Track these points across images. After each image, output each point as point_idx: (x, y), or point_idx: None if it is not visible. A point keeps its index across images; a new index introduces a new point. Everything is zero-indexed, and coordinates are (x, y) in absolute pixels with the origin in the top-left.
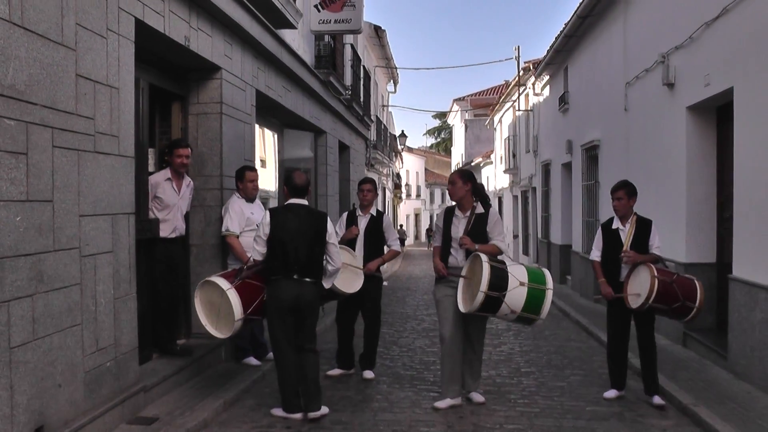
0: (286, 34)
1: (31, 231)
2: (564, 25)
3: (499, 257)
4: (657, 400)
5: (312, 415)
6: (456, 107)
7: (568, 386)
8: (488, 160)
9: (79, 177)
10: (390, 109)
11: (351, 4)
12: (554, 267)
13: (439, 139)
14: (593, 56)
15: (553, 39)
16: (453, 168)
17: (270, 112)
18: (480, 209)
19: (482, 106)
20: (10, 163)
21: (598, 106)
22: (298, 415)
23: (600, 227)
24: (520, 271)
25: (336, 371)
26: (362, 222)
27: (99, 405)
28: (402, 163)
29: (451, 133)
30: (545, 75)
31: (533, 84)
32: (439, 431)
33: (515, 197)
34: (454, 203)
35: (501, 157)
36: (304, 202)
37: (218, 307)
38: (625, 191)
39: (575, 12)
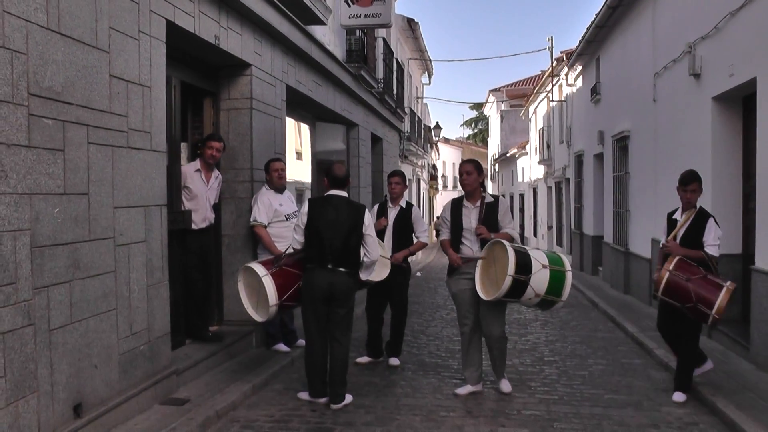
0: (317, 30)
1: (68, 222)
2: (595, 16)
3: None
4: (676, 396)
5: (334, 406)
6: (492, 98)
7: (589, 375)
8: (523, 151)
9: (113, 171)
10: (425, 101)
11: None
12: (586, 258)
13: (476, 130)
14: (623, 47)
15: (585, 29)
16: (489, 158)
17: (302, 106)
18: (489, 198)
19: (518, 96)
20: (48, 159)
21: (628, 96)
22: (323, 400)
23: (666, 215)
24: (540, 254)
25: (365, 359)
26: (391, 214)
27: (133, 386)
28: (438, 154)
29: (487, 123)
30: (578, 65)
31: (566, 75)
32: (459, 416)
33: (549, 188)
34: (459, 195)
35: (536, 148)
36: (344, 193)
37: (257, 292)
38: (699, 183)
39: (605, 2)
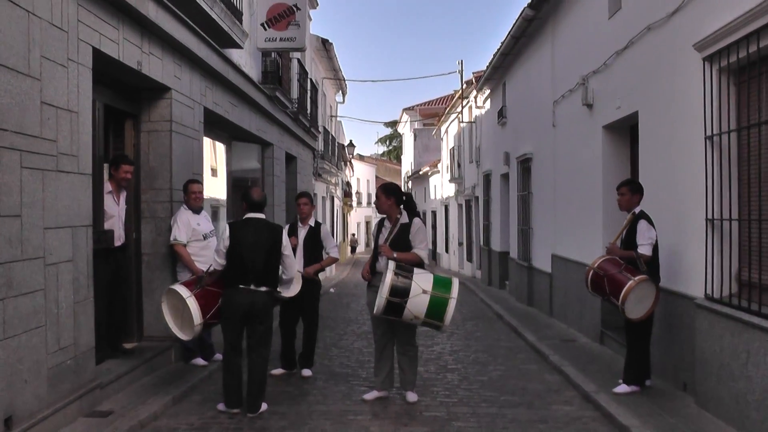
0: (233, 53)
1: (1, 242)
2: (500, 44)
3: (425, 264)
4: (618, 388)
5: (251, 414)
6: (405, 116)
7: (488, 380)
8: (435, 170)
9: (44, 193)
10: (340, 119)
11: (296, 23)
12: (494, 273)
13: (390, 147)
14: (527, 74)
15: (492, 56)
16: (403, 176)
17: (218, 126)
18: (405, 219)
19: (431, 115)
20: None
21: (530, 121)
22: (237, 410)
23: None
24: (426, 279)
25: (279, 371)
26: (302, 233)
27: (60, 399)
28: (353, 171)
29: (401, 141)
30: (486, 89)
31: (475, 97)
32: (366, 418)
33: (460, 206)
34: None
35: (447, 167)
36: (262, 215)
37: (181, 312)
38: (629, 188)
39: (509, 32)
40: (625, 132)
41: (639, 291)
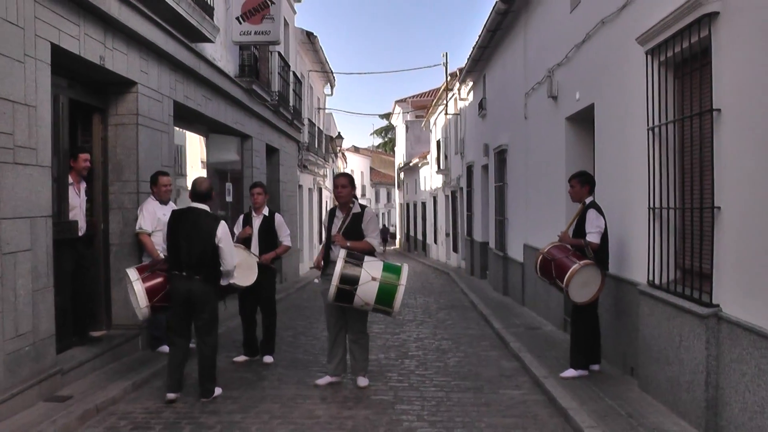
0: (207, 47)
1: None
2: (478, 37)
3: (376, 253)
4: (565, 373)
5: (204, 399)
6: (398, 108)
7: (444, 366)
8: (425, 161)
9: (0, 185)
10: (330, 111)
11: (270, 16)
12: (476, 263)
13: (386, 139)
14: (503, 67)
15: (471, 48)
16: (396, 168)
17: (194, 119)
18: (357, 209)
19: (422, 107)
20: None
21: (506, 112)
22: (174, 395)
23: None
24: (376, 266)
25: (242, 357)
26: (256, 222)
27: (18, 384)
28: (346, 162)
29: (395, 133)
30: (469, 81)
31: (459, 89)
32: (314, 402)
33: (447, 197)
34: (335, 205)
35: (435, 158)
36: (204, 206)
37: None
38: (578, 180)
39: (485, 26)
40: (589, 124)
41: (583, 275)
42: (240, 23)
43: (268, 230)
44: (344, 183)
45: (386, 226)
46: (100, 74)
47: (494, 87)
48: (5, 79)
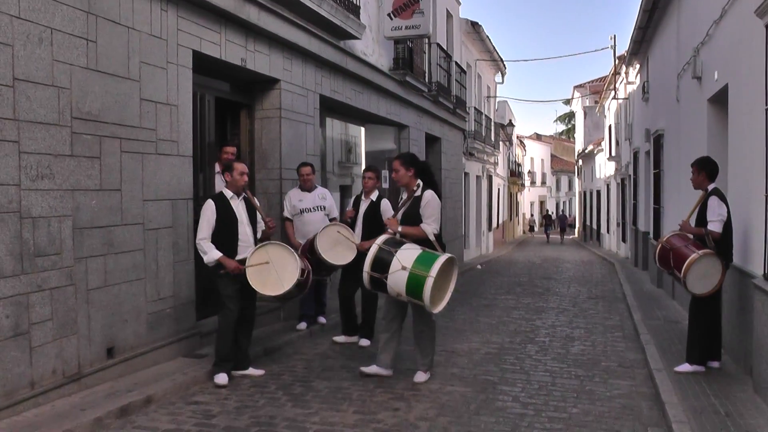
0: (357, 43)
1: (103, 210)
2: (636, 17)
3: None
4: (680, 367)
5: (235, 373)
6: (576, 93)
7: (564, 353)
8: (600, 148)
9: (143, 172)
10: (505, 99)
11: (420, 11)
12: (639, 253)
13: (569, 126)
14: (661, 48)
15: (631, 30)
16: (575, 155)
17: (346, 111)
18: (418, 192)
19: (598, 92)
20: (87, 164)
21: (663, 95)
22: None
23: None
24: (410, 255)
25: (342, 337)
26: (363, 206)
27: (159, 340)
28: (524, 150)
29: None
30: (636, 63)
31: (626, 72)
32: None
33: (618, 185)
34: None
35: (608, 145)
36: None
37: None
38: (696, 166)
39: (641, 5)
40: (726, 106)
41: (702, 265)
42: (391, 19)
43: (374, 215)
44: (396, 167)
45: (564, 213)
46: (245, 74)
47: (655, 69)
48: (149, 84)
